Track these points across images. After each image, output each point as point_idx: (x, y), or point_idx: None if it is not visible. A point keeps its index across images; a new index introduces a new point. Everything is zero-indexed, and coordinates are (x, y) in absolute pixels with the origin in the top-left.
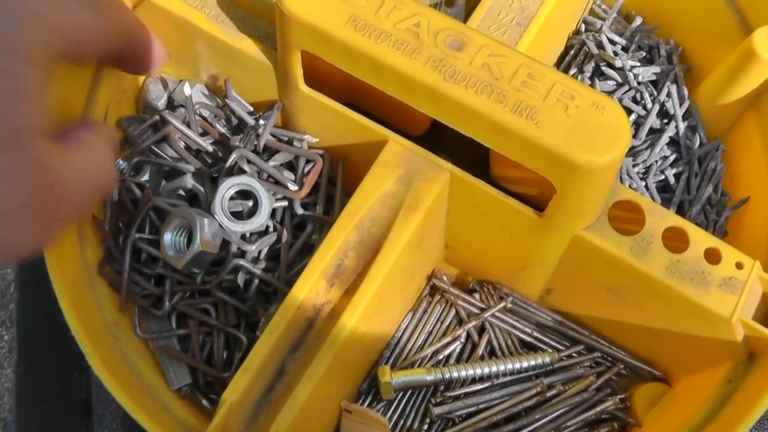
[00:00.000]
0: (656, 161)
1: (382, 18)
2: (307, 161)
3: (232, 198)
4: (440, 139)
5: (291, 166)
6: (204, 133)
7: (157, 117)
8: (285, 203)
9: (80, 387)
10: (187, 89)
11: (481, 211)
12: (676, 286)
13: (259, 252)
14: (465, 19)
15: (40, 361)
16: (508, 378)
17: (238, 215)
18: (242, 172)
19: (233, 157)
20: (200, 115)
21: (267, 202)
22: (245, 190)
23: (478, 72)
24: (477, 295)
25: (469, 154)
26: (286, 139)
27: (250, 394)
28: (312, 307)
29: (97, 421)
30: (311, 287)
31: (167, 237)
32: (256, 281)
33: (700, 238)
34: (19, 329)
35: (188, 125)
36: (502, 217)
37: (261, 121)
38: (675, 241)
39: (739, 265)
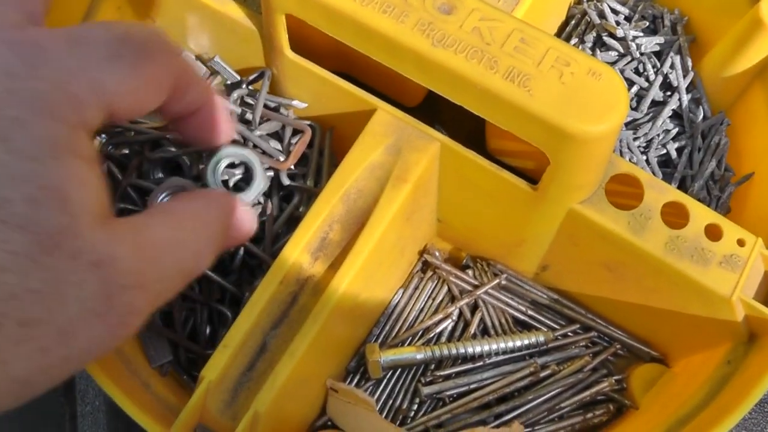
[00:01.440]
0: (658, 135)
1: None
2: (295, 131)
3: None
4: (436, 112)
5: (277, 135)
6: None
7: None
8: (271, 173)
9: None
10: None
11: (473, 183)
12: (675, 263)
13: None
14: None
15: None
16: (501, 357)
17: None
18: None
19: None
20: None
21: (262, 176)
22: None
23: (468, 36)
24: (470, 272)
25: (465, 128)
26: (274, 105)
27: (230, 372)
28: (295, 282)
29: (80, 397)
30: (294, 261)
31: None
32: (241, 254)
33: (701, 214)
34: None
35: None
36: (495, 190)
37: (249, 88)
38: (675, 216)
39: (740, 242)
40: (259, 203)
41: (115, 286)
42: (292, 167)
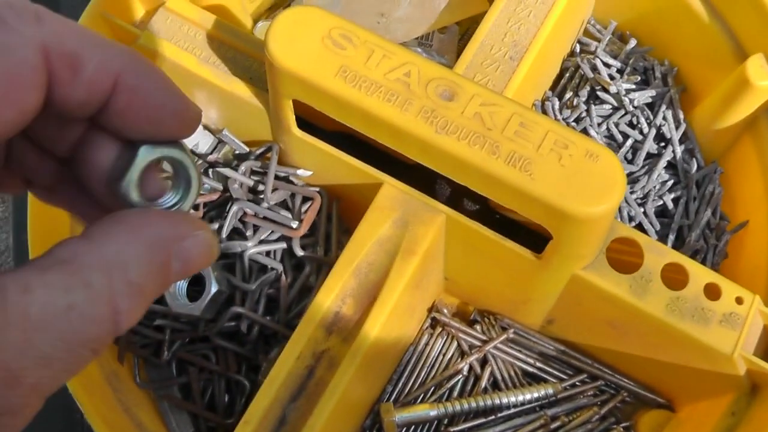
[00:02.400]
0: (654, 187)
1: (372, 68)
2: (304, 199)
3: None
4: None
5: (286, 205)
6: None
7: None
8: (283, 245)
9: (81, 428)
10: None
11: (478, 250)
12: (677, 323)
13: (260, 294)
14: (457, 47)
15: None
16: (512, 411)
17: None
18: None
19: (234, 209)
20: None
21: (196, 177)
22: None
23: (470, 122)
24: (478, 327)
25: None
26: (282, 175)
27: None
28: (311, 356)
29: None
30: (310, 336)
31: (178, 285)
32: (257, 326)
33: (700, 274)
34: None
35: None
36: (500, 257)
37: (254, 161)
38: (674, 274)
39: (739, 300)
40: (273, 270)
41: None
42: (302, 237)
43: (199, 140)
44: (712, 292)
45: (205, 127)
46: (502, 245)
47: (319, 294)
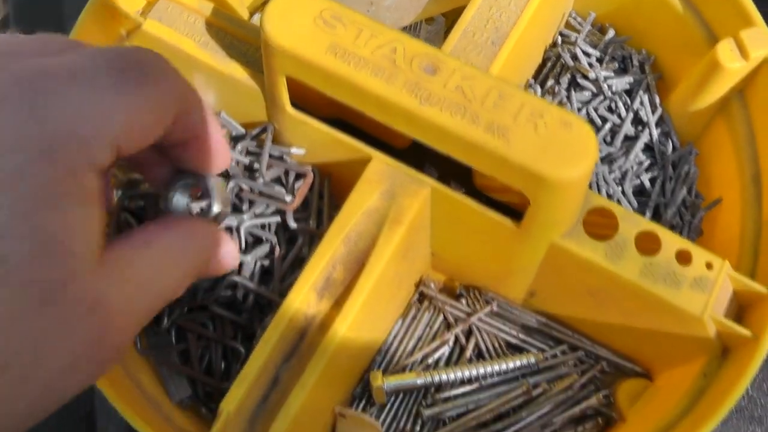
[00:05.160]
0: (632, 167)
1: (360, 45)
2: (297, 176)
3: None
4: (425, 150)
5: (281, 182)
6: None
7: None
8: (278, 218)
9: (83, 402)
10: None
11: (462, 221)
12: (650, 287)
13: (255, 265)
14: (444, 36)
15: None
16: (496, 379)
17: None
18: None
19: (230, 186)
20: None
21: (218, 193)
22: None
23: (451, 94)
24: (464, 300)
25: (454, 164)
26: (276, 154)
27: (247, 404)
28: (303, 319)
29: None
30: (302, 299)
31: (176, 199)
32: (252, 295)
33: (671, 241)
34: None
35: None
36: (482, 227)
37: (250, 141)
38: (648, 244)
39: (709, 265)
40: (268, 241)
41: (108, 327)
42: (296, 211)
43: None
44: (683, 257)
45: None
46: (484, 214)
47: (311, 260)
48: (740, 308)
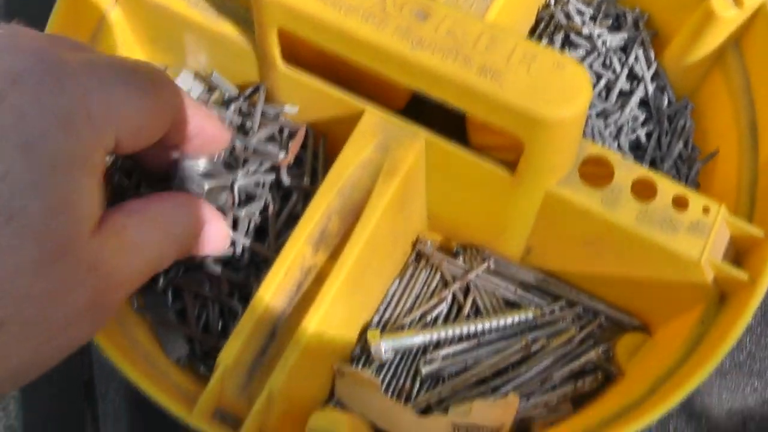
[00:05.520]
0: (627, 121)
1: None
2: (290, 134)
3: None
4: (419, 115)
5: (274, 140)
6: None
7: None
8: (272, 176)
9: (82, 368)
10: (180, 82)
11: (457, 173)
12: (646, 233)
13: (249, 222)
14: None
15: None
16: (494, 335)
17: None
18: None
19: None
20: None
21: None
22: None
23: (443, 39)
24: (461, 258)
25: (448, 129)
26: (270, 113)
27: (244, 356)
28: (299, 271)
29: (101, 399)
30: (297, 252)
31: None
32: (247, 253)
33: (667, 187)
34: None
35: None
36: (476, 177)
37: (243, 101)
38: (644, 191)
39: (705, 210)
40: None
41: (105, 286)
42: (289, 168)
43: (192, 87)
44: (679, 202)
45: (197, 75)
46: (478, 164)
47: (306, 212)
48: (737, 254)
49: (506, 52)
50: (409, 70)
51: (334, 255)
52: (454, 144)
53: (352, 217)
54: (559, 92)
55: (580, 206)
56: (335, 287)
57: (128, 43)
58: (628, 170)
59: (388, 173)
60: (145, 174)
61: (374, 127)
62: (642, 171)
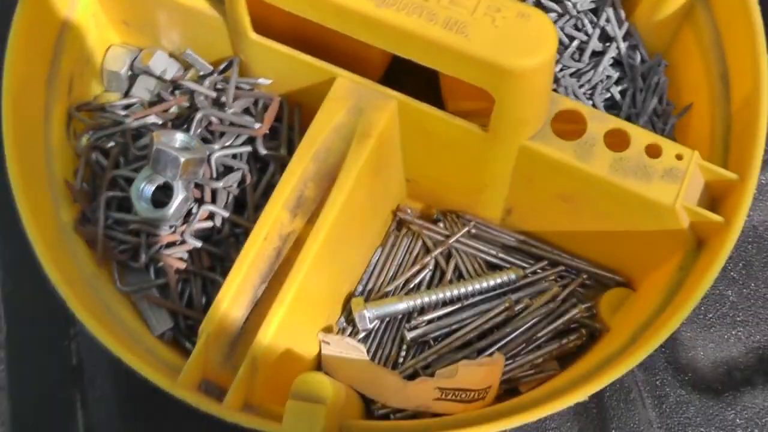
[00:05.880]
0: (601, 81)
1: None
2: (265, 106)
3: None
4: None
5: (249, 113)
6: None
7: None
8: (249, 148)
9: (70, 354)
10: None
11: (431, 135)
12: (621, 182)
13: (227, 195)
14: None
15: (29, 335)
16: (477, 298)
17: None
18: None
19: (199, 116)
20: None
21: (182, 192)
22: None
23: None
24: (441, 224)
25: (422, 98)
26: (243, 87)
27: (227, 325)
28: (277, 237)
29: (89, 384)
30: (275, 218)
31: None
32: (227, 225)
33: (640, 136)
34: (6, 307)
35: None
36: (450, 137)
37: (218, 76)
38: (617, 143)
39: (678, 157)
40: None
41: None
42: (266, 140)
43: (167, 67)
44: (653, 151)
45: (171, 55)
46: (451, 123)
47: (281, 179)
48: (713, 201)
49: (471, 5)
50: (375, 29)
51: (312, 220)
52: (427, 105)
53: (327, 182)
54: (525, 42)
55: (554, 159)
56: (313, 251)
57: (101, 26)
58: (600, 122)
59: (362, 135)
60: (123, 153)
61: (347, 92)
62: (614, 121)
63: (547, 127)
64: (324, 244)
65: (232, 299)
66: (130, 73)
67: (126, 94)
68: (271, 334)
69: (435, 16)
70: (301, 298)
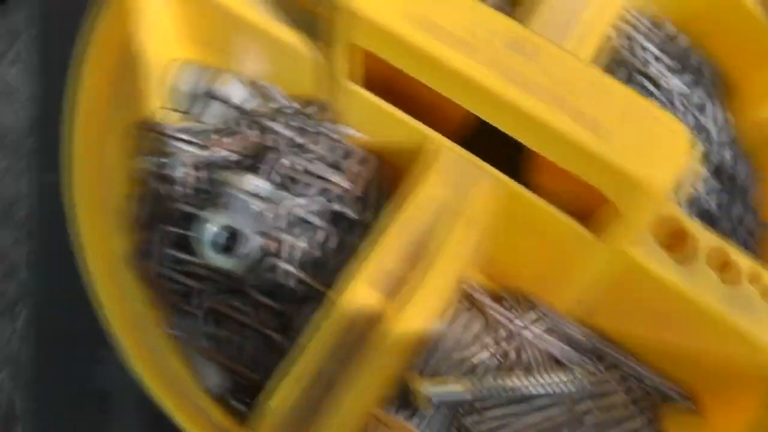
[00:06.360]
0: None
1: (439, 14)
2: (348, 156)
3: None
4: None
5: (335, 165)
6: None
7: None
8: (334, 205)
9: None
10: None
11: (529, 225)
12: (729, 314)
13: (299, 251)
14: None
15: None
16: (545, 400)
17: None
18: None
19: (280, 159)
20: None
21: (251, 236)
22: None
23: (537, 76)
24: (506, 303)
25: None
26: (333, 135)
27: (296, 405)
28: (361, 318)
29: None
30: (357, 293)
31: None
32: (292, 282)
33: (743, 264)
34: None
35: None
36: (552, 234)
37: (300, 117)
38: (718, 263)
39: None
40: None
41: None
42: (350, 197)
43: (246, 96)
44: (754, 279)
45: (246, 82)
46: (562, 222)
47: (369, 253)
48: None
49: (606, 99)
50: (496, 107)
51: (396, 299)
52: (541, 200)
53: (419, 261)
54: (661, 153)
55: (654, 275)
56: (399, 337)
57: (168, 41)
58: (705, 240)
59: (460, 217)
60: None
61: (448, 166)
62: (717, 242)
63: (647, 233)
64: (410, 330)
65: (308, 378)
66: (198, 94)
67: (187, 114)
68: (340, 422)
69: (566, 105)
70: (375, 382)
